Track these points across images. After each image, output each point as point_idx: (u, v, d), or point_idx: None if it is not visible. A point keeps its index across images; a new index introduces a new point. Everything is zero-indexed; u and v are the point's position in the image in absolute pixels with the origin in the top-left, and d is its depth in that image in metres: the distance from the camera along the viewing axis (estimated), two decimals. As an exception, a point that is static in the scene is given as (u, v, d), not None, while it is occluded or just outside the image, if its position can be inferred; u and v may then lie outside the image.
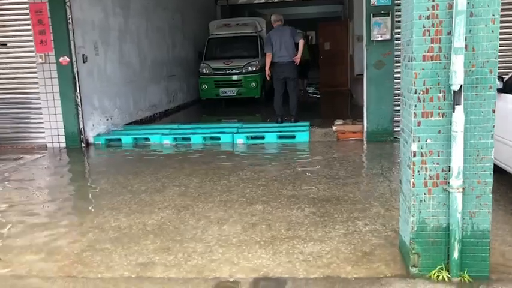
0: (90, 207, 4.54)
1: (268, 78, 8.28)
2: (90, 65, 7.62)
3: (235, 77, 11.60)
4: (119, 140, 7.62)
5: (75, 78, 7.21)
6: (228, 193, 4.67)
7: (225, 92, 11.63)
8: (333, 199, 4.33)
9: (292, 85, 8.06)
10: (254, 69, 11.67)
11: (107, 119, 8.18)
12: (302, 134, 7.10)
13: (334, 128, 7.02)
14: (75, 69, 7.20)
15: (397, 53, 6.49)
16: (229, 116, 10.56)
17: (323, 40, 15.14)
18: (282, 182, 4.95)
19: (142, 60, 9.77)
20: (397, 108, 6.26)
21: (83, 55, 7.42)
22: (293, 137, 7.13)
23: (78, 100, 7.26)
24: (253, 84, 11.60)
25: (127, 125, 8.78)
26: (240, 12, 17.26)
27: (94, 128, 7.74)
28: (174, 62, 11.49)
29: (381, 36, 6.62)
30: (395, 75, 6.61)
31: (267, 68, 8.21)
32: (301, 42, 7.89)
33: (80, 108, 7.29)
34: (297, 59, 7.90)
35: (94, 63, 7.79)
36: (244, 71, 11.60)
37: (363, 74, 11.25)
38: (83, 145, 7.40)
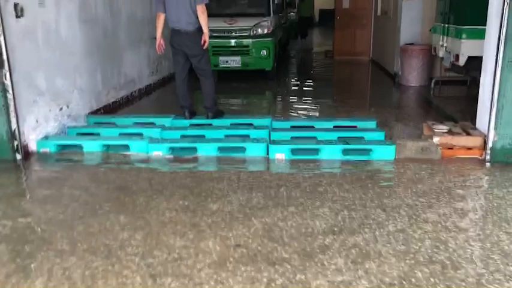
0: None
1: (158, 51, 5.43)
2: (29, 21, 4.62)
3: (240, 42, 8.65)
4: (80, 146, 4.73)
5: None
6: None
7: (227, 62, 8.71)
8: None
9: (201, 65, 5.35)
10: (266, 31, 8.75)
11: (61, 108, 5.24)
12: (384, 148, 4.37)
13: (435, 139, 4.30)
14: None
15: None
16: (230, 95, 7.74)
17: (341, -5, 12.20)
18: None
19: (115, 15, 6.72)
20: None
21: (16, 5, 4.40)
22: (367, 152, 4.39)
23: (7, 81, 4.29)
24: (265, 52, 8.71)
25: (93, 115, 5.85)
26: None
27: (38, 125, 4.81)
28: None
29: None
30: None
31: (158, 35, 5.34)
32: (200, 9, 5.05)
33: (9, 95, 4.33)
34: (205, 36, 5.15)
35: (37, 20, 4.77)
36: (253, 33, 8.65)
37: (413, 44, 8.71)
38: (19, 156, 4.49)
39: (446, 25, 6.68)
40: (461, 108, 6.64)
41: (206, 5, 5.14)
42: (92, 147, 4.70)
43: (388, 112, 6.60)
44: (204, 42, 5.19)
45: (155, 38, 5.37)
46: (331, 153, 4.38)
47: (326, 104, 7.09)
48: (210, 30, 5.37)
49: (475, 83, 7.00)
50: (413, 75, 8.22)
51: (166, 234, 3.03)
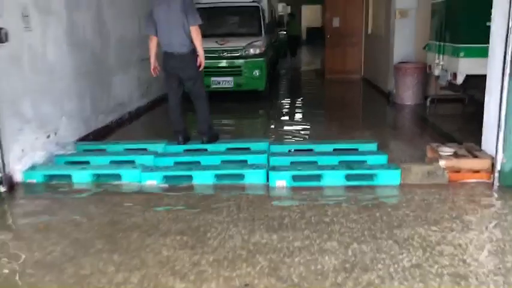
0: None
1: (154, 74, 5.25)
2: (14, 46, 4.40)
3: (232, 62, 8.50)
4: (68, 176, 4.48)
5: (-16, 72, 4.01)
6: None
7: (218, 83, 8.57)
8: None
9: (195, 88, 5.16)
10: (258, 51, 8.64)
11: (48, 136, 4.99)
12: (388, 173, 4.19)
13: (441, 163, 4.14)
14: (-16, 56, 3.99)
15: None
16: (223, 116, 7.56)
17: (331, 15, 12.19)
18: None
19: (104, 38, 6.53)
20: None
21: (0, 29, 4.18)
22: (371, 177, 4.21)
23: (-9, 111, 4.06)
24: (257, 72, 8.59)
25: (82, 142, 5.61)
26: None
27: (24, 155, 4.56)
28: (148, 40, 8.21)
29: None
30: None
31: (152, 59, 5.17)
32: (194, 31, 4.89)
33: (-6, 125, 4.09)
34: (200, 58, 4.99)
35: (23, 44, 4.56)
36: (245, 53, 8.52)
37: (407, 62, 8.63)
38: (3, 189, 4.22)
39: (442, 43, 6.60)
40: (459, 126, 6.54)
41: (199, 25, 4.98)
42: (81, 177, 4.45)
43: (386, 132, 6.48)
44: (200, 64, 5.01)
45: (145, 60, 5.18)
46: (334, 179, 4.19)
47: (322, 125, 6.94)
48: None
49: (473, 102, 6.93)
50: (407, 94, 8.13)
51: (165, 276, 2.79)
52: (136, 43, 7.74)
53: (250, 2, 9.28)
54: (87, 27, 6.00)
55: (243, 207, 3.78)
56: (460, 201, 3.79)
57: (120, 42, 7.12)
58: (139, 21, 7.87)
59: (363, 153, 4.82)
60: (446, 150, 4.29)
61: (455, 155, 4.25)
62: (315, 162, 4.62)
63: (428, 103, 7.77)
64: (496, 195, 3.93)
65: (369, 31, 11.29)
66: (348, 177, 4.19)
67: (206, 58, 5.19)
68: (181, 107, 5.32)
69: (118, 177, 4.44)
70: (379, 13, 10.10)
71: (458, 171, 4.13)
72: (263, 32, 8.99)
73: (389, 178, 4.15)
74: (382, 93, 9.32)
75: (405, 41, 8.33)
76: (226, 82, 8.54)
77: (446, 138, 5.86)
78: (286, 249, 3.07)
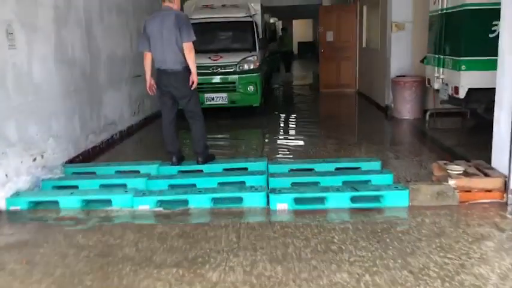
0: None
1: (150, 92, 5.01)
2: (-3, 65, 4.16)
3: (226, 78, 8.29)
4: (55, 203, 4.20)
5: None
6: None
7: (212, 99, 8.35)
8: None
9: (190, 107, 4.93)
10: (252, 67, 8.44)
11: (34, 159, 4.72)
12: (396, 194, 3.96)
13: (451, 182, 3.91)
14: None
15: None
16: (217, 133, 7.34)
17: (325, 29, 12.07)
18: None
19: (94, 54, 6.30)
20: None
21: (-18, 48, 3.95)
22: (378, 199, 3.98)
23: (-28, 135, 3.79)
24: (252, 88, 8.38)
25: (71, 164, 5.34)
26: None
27: (8, 181, 4.28)
28: (140, 56, 7.94)
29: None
30: None
31: (147, 76, 4.95)
32: (187, 47, 4.68)
33: (-25, 150, 3.82)
34: (193, 76, 4.76)
35: (7, 63, 4.32)
36: (239, 69, 8.32)
37: (405, 76, 8.46)
38: (-15, 217, 3.94)
39: (441, 56, 6.44)
40: (461, 141, 6.37)
41: (193, 42, 4.76)
42: (69, 203, 4.18)
43: (386, 149, 6.27)
44: (193, 82, 4.79)
45: (137, 76, 4.95)
46: (338, 202, 3.95)
47: (320, 141, 6.72)
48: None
49: (475, 115, 6.76)
50: (406, 108, 7.96)
51: (160, 317, 2.52)
52: (128, 59, 7.52)
53: (243, 16, 9.10)
54: (76, 44, 5.76)
55: (243, 235, 3.53)
56: (474, 224, 3.56)
57: (111, 59, 6.89)
58: (131, 36, 7.67)
59: (367, 172, 4.59)
60: (456, 169, 4.07)
61: (466, 173, 4.03)
62: (317, 183, 4.38)
63: (427, 117, 7.60)
64: (511, 216, 3.70)
65: (363, 44, 11.16)
66: (354, 199, 3.95)
67: (199, 74, 4.98)
68: (176, 126, 5.08)
69: (108, 202, 4.17)
70: (373, 26, 9.98)
71: (469, 190, 3.91)
72: (257, 46, 8.80)
73: (397, 199, 3.93)
74: (379, 107, 9.14)
75: (402, 54, 8.19)
76: (220, 98, 8.32)
77: (449, 154, 5.67)
78: (292, 282, 2.81)
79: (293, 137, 7.11)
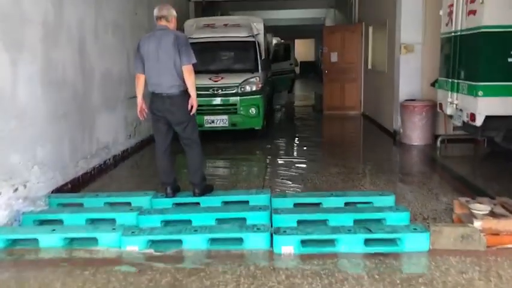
0: None
1: (140, 116, 4.61)
2: (-25, 89, 3.77)
3: (227, 100, 7.93)
4: (35, 241, 3.77)
5: None
6: None
7: (213, 122, 7.98)
8: None
9: (186, 134, 4.53)
10: (254, 88, 8.09)
11: (16, 189, 4.30)
12: (415, 237, 3.53)
13: (477, 224, 3.49)
14: None
15: None
16: (216, 158, 6.95)
17: (329, 50, 11.76)
18: None
19: (87, 75, 5.93)
20: None
21: (-43, 70, 3.57)
22: (394, 242, 3.55)
23: None
24: (254, 110, 8.02)
25: (57, 194, 4.92)
26: (211, 12, 13.47)
27: (-16, 215, 3.86)
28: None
29: None
30: None
31: (139, 100, 4.56)
32: (187, 70, 4.30)
33: None
34: (192, 101, 4.36)
35: (-14, 85, 3.94)
36: (240, 90, 7.96)
37: (414, 100, 8.07)
38: (-46, 259, 3.51)
39: (455, 80, 6.08)
40: (475, 171, 5.98)
41: (193, 64, 4.39)
42: (50, 241, 3.75)
43: (398, 179, 5.87)
44: (192, 107, 4.40)
45: (133, 98, 4.57)
46: (350, 245, 3.52)
47: (326, 169, 6.29)
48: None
49: (492, 144, 6.37)
50: (415, 134, 7.57)
51: None
52: (124, 79, 7.16)
53: (246, 36, 8.79)
54: (68, 64, 5.40)
55: (244, 284, 3.10)
56: (507, 275, 3.13)
57: (106, 79, 6.53)
58: (127, 55, 7.33)
59: (380, 209, 4.17)
60: (480, 208, 3.65)
61: (492, 213, 3.61)
62: (326, 221, 3.96)
63: (438, 143, 7.22)
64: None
65: (369, 66, 10.84)
66: (367, 242, 3.53)
67: (199, 96, 4.60)
68: (170, 155, 4.68)
69: (94, 241, 3.74)
70: (380, 48, 9.66)
71: (496, 234, 3.49)
72: (260, 67, 8.46)
73: (416, 243, 3.50)
74: (386, 131, 8.76)
75: (411, 77, 7.84)
76: (220, 121, 7.95)
77: (465, 186, 5.29)
78: None
79: (297, 163, 6.69)
